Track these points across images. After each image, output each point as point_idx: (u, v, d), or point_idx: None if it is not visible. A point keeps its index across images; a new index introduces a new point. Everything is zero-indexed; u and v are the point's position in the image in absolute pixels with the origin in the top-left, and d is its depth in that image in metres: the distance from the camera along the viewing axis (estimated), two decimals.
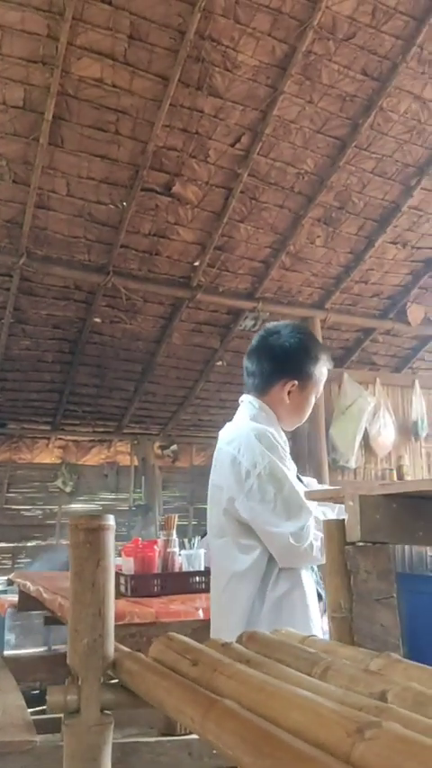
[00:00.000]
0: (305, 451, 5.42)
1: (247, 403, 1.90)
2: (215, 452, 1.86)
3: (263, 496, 1.68)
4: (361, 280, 5.80)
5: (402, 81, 4.37)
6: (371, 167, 4.89)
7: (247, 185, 4.75)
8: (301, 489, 1.74)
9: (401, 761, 0.55)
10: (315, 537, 1.65)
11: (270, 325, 1.98)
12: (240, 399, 1.95)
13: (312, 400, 1.92)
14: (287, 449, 1.86)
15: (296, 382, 1.86)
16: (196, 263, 5.20)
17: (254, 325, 5.72)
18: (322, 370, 1.92)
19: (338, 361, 6.40)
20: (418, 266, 5.87)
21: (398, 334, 6.50)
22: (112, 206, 4.63)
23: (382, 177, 4.98)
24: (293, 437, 5.28)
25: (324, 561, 1.65)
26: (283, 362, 1.87)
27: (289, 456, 1.84)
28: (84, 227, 4.74)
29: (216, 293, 5.47)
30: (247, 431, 1.78)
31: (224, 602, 1.74)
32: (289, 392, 1.86)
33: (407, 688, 0.76)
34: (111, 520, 1.13)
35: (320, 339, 5.47)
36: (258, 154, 4.56)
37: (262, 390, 1.89)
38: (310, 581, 1.75)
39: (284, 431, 1.91)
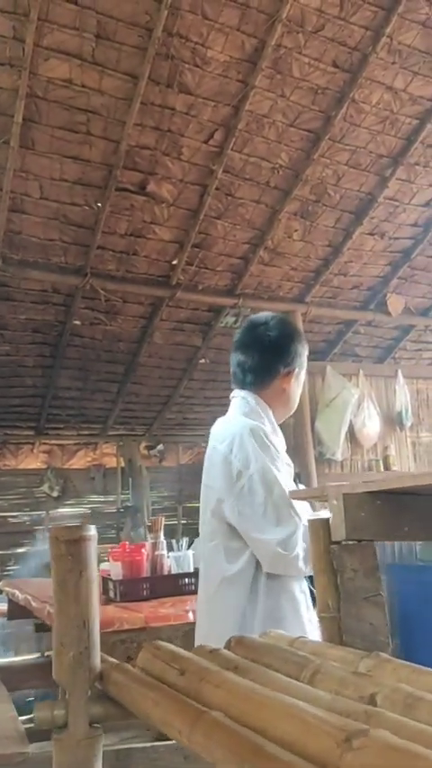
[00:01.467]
0: (291, 445, 5.41)
1: (241, 399, 1.84)
2: (207, 452, 1.80)
3: (252, 499, 1.63)
4: (340, 272, 5.80)
5: (373, 72, 4.36)
6: (345, 159, 4.88)
7: (222, 182, 4.72)
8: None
9: None
10: (302, 548, 1.59)
11: (253, 317, 1.96)
12: (232, 395, 1.88)
13: (300, 389, 1.93)
14: (283, 446, 1.83)
15: (296, 368, 1.86)
16: (174, 262, 5.17)
17: (235, 322, 5.70)
18: (306, 357, 1.93)
19: (321, 354, 6.39)
20: (396, 257, 5.88)
21: (379, 324, 6.51)
22: (86, 207, 4.59)
23: (357, 169, 4.98)
24: None
25: (309, 572, 1.63)
26: (281, 351, 1.85)
27: (283, 455, 1.79)
28: (59, 230, 4.69)
29: (196, 291, 5.45)
30: (240, 428, 1.73)
31: (214, 608, 1.70)
32: (290, 381, 1.86)
33: (396, 690, 0.76)
34: (92, 530, 1.11)
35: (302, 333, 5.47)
36: (232, 149, 4.53)
37: (261, 384, 1.83)
38: (302, 586, 1.71)
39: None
